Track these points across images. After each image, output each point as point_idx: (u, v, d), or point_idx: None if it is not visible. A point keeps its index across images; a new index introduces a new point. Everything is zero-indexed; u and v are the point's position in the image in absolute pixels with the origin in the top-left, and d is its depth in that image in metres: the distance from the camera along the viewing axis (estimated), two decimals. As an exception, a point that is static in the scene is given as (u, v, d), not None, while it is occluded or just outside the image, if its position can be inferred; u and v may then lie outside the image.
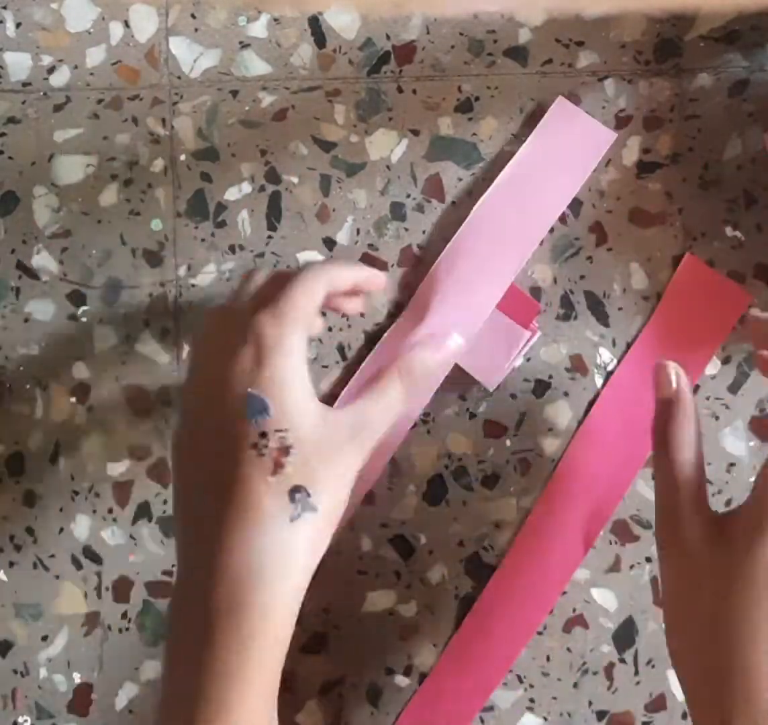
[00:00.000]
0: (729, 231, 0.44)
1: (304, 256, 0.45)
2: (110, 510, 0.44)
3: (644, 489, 0.44)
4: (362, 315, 0.44)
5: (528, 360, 0.44)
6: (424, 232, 0.44)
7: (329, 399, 0.44)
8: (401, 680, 0.44)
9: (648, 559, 0.44)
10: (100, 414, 0.45)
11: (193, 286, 0.45)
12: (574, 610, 0.44)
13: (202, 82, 0.45)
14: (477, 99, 0.45)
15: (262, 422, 0.31)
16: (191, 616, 0.31)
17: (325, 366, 0.44)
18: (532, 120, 0.44)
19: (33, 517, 0.45)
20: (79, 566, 0.44)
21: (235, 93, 0.45)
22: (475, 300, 0.42)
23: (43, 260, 0.45)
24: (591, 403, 0.44)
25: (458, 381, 0.43)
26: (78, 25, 0.45)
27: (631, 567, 0.44)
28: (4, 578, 0.44)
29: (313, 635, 0.44)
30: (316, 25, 0.45)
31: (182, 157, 0.45)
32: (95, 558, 0.44)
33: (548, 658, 0.44)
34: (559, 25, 0.44)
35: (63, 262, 0.45)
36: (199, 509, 0.32)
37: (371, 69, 0.45)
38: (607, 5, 0.39)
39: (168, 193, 0.45)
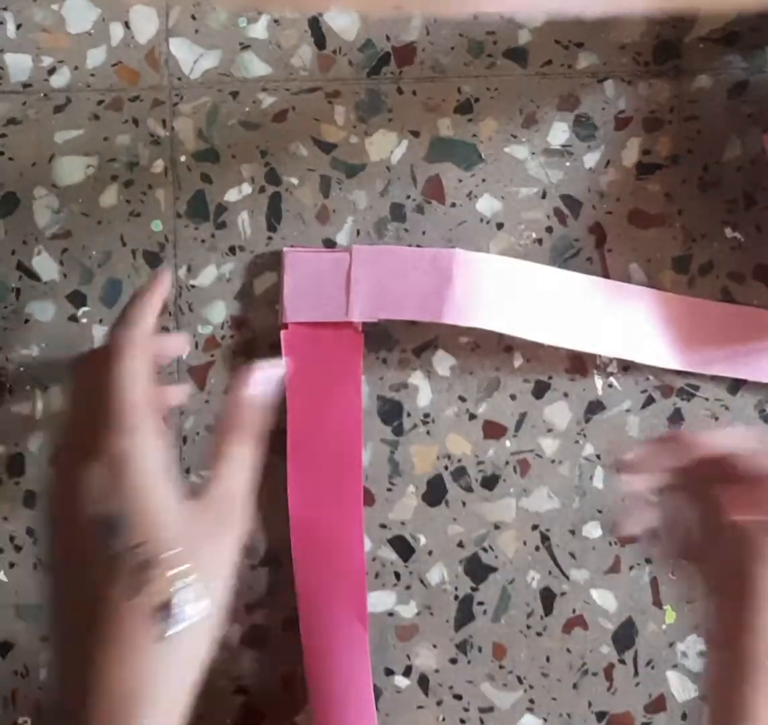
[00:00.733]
0: (728, 232, 0.44)
1: (304, 257, 0.45)
2: (110, 511, 0.44)
3: (644, 490, 0.44)
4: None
5: (527, 361, 0.44)
6: (424, 233, 0.45)
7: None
8: (401, 681, 0.44)
9: (648, 560, 0.44)
10: (100, 415, 0.45)
11: (193, 287, 0.45)
12: (574, 611, 0.44)
13: (203, 84, 0.45)
14: (477, 100, 0.45)
15: (118, 541, 0.30)
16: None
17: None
18: (531, 121, 0.44)
19: (33, 518, 0.45)
20: (79, 567, 0.44)
21: (235, 94, 0.45)
22: None
23: (43, 261, 0.45)
24: (591, 403, 0.44)
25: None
26: (78, 26, 0.45)
27: (631, 568, 0.44)
28: (5, 579, 0.45)
29: (313, 636, 0.44)
30: (316, 26, 0.45)
31: (182, 158, 0.45)
32: (95, 558, 0.44)
33: (548, 659, 0.44)
34: (559, 26, 0.44)
35: (63, 262, 0.45)
36: (68, 635, 0.32)
37: (371, 70, 0.45)
38: (607, 6, 0.39)
39: (168, 194, 0.45)
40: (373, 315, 0.43)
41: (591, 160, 0.45)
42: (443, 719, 0.44)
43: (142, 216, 0.45)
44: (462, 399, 0.44)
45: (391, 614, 0.44)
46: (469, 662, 0.44)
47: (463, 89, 0.45)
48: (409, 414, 0.44)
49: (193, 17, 0.45)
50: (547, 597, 0.44)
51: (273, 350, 0.44)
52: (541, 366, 0.44)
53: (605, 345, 0.43)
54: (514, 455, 0.44)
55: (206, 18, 0.45)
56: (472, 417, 0.44)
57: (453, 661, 0.44)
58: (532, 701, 0.44)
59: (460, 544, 0.44)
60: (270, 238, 0.45)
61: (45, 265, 0.45)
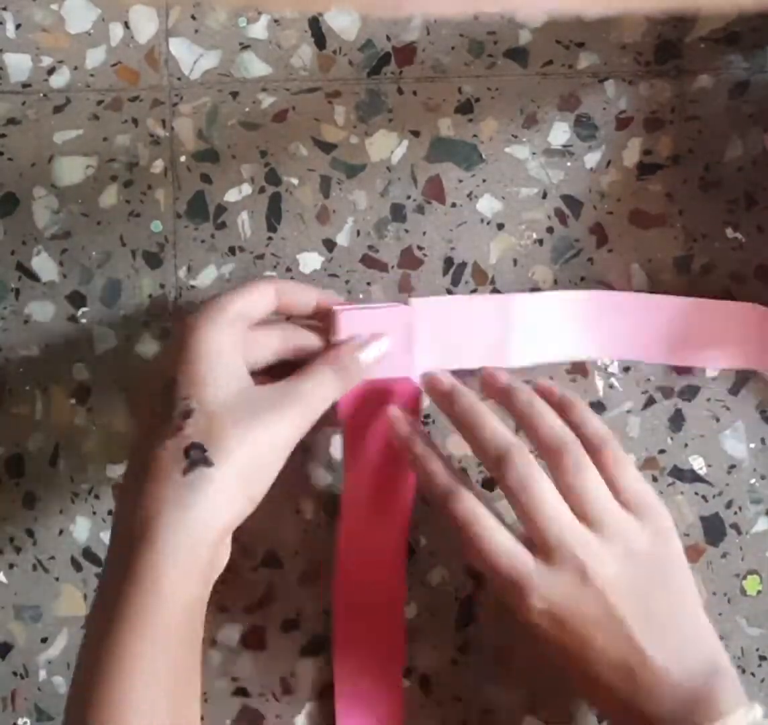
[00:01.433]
0: (729, 232, 0.44)
1: (304, 258, 0.45)
2: (110, 512, 0.44)
3: (645, 490, 0.44)
4: None
5: (528, 361, 0.44)
6: (424, 233, 0.44)
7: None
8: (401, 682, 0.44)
9: (648, 561, 0.44)
10: (100, 415, 0.45)
11: (192, 287, 0.45)
12: (575, 612, 0.44)
13: (202, 84, 0.45)
14: (477, 100, 0.45)
15: (169, 394, 0.35)
16: (109, 553, 0.35)
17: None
18: (532, 121, 0.44)
19: (33, 519, 0.45)
20: (78, 568, 0.44)
21: (235, 94, 0.45)
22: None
23: (42, 261, 0.45)
24: (592, 404, 0.44)
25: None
26: (78, 26, 0.45)
27: (632, 569, 0.44)
28: (4, 580, 0.44)
29: (313, 637, 0.44)
30: (316, 26, 0.45)
31: (182, 159, 0.45)
32: (95, 560, 0.44)
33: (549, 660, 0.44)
34: (560, 26, 0.44)
35: (63, 263, 0.45)
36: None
37: (371, 70, 0.45)
38: (607, 6, 0.39)
39: (168, 195, 0.45)
40: (439, 367, 0.41)
41: (592, 160, 0.44)
42: (444, 720, 0.44)
43: (142, 216, 0.45)
44: (462, 399, 0.44)
45: (391, 615, 0.44)
46: (469, 663, 0.44)
47: (464, 89, 0.45)
48: (409, 415, 0.44)
49: (193, 17, 0.45)
50: (548, 598, 0.44)
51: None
52: (542, 367, 0.44)
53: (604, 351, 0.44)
54: (514, 456, 0.44)
55: (206, 18, 0.45)
56: (473, 417, 0.44)
57: (454, 662, 0.44)
58: (533, 702, 0.43)
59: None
60: (270, 238, 0.45)
61: (44, 266, 0.45)
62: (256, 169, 0.45)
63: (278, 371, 0.38)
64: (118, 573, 0.33)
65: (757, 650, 0.43)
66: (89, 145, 0.45)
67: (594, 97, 0.44)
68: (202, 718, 0.34)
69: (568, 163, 0.44)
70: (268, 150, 0.45)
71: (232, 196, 0.45)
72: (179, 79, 0.45)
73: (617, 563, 0.35)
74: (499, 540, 0.36)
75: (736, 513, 0.44)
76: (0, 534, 0.44)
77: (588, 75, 0.45)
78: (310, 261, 0.45)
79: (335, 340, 0.39)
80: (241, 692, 0.44)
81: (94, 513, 0.44)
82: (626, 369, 0.44)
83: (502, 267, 0.44)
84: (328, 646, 0.44)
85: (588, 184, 0.44)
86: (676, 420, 0.44)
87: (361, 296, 0.44)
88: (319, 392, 0.37)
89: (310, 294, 0.40)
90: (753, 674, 0.43)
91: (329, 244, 0.45)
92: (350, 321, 0.39)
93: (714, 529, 0.44)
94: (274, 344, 0.39)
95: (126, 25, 0.45)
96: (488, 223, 0.44)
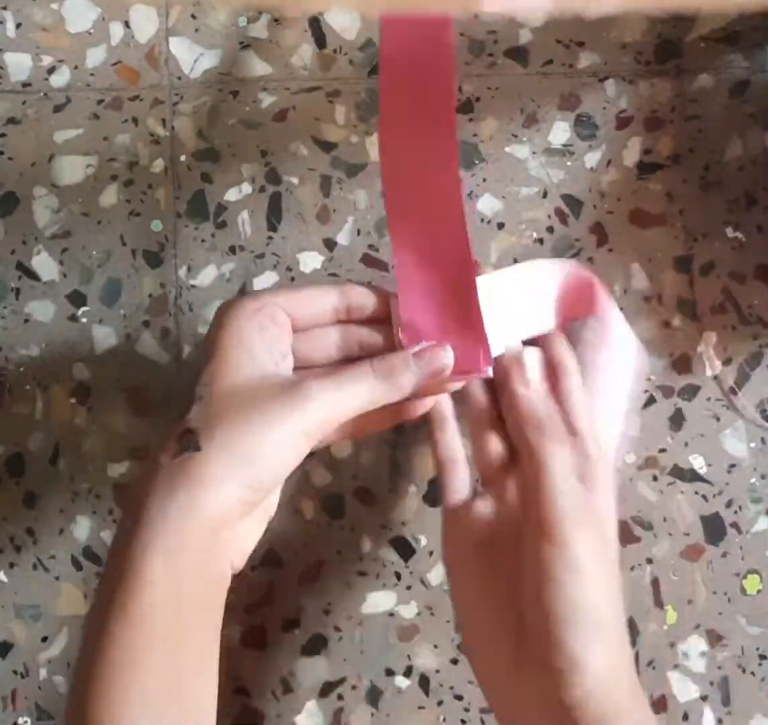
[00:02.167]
0: (730, 232, 0.44)
1: (304, 257, 0.45)
2: (110, 511, 0.44)
3: (645, 489, 0.44)
4: None
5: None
6: (424, 232, 0.44)
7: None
8: (401, 681, 0.44)
9: (649, 560, 0.44)
10: (100, 415, 0.45)
11: (193, 286, 0.45)
12: (575, 611, 0.44)
13: (203, 83, 0.45)
14: (478, 99, 0.45)
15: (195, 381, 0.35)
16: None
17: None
18: (532, 120, 0.44)
19: (33, 518, 0.45)
20: (79, 567, 0.44)
21: (235, 93, 0.45)
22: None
23: (43, 261, 0.45)
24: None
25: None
26: (78, 25, 0.45)
27: (632, 568, 0.44)
28: (4, 579, 0.44)
29: (313, 636, 0.44)
30: (316, 25, 0.45)
31: (182, 158, 0.45)
32: (95, 559, 0.44)
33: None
34: (560, 25, 0.44)
35: (63, 262, 0.45)
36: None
37: (372, 69, 0.45)
38: (607, 5, 0.39)
39: (168, 194, 0.45)
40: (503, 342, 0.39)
41: (592, 159, 0.44)
42: (444, 719, 0.44)
43: (142, 216, 0.45)
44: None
45: (391, 614, 0.44)
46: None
47: (464, 88, 0.45)
48: (409, 415, 0.44)
49: (193, 17, 0.45)
50: (548, 598, 0.44)
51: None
52: (542, 366, 0.44)
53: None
54: (514, 455, 0.44)
55: (206, 17, 0.45)
56: (473, 417, 0.44)
57: (454, 662, 0.44)
58: (532, 701, 0.43)
59: (461, 544, 0.44)
60: (270, 237, 0.45)
61: (45, 265, 0.45)
62: (257, 169, 0.45)
63: None
64: (112, 561, 0.32)
65: (757, 649, 0.43)
66: (89, 144, 0.45)
67: (594, 97, 0.44)
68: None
69: (569, 163, 0.44)
70: (269, 149, 0.45)
71: (232, 195, 0.45)
72: (179, 78, 0.45)
73: None
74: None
75: (736, 512, 0.44)
76: (0, 534, 0.44)
77: (588, 74, 0.45)
78: (311, 260, 0.45)
79: (398, 335, 0.37)
80: (242, 691, 0.44)
81: (95, 512, 0.44)
82: (626, 368, 0.44)
83: (502, 266, 0.44)
84: (328, 645, 0.44)
85: (588, 184, 0.44)
86: (677, 420, 0.44)
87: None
88: (346, 401, 0.35)
89: (379, 296, 0.38)
90: (753, 673, 0.43)
91: (329, 244, 0.45)
92: (407, 307, 0.37)
93: (714, 529, 0.44)
94: (331, 338, 0.37)
95: (126, 24, 0.45)
96: (489, 223, 0.44)
